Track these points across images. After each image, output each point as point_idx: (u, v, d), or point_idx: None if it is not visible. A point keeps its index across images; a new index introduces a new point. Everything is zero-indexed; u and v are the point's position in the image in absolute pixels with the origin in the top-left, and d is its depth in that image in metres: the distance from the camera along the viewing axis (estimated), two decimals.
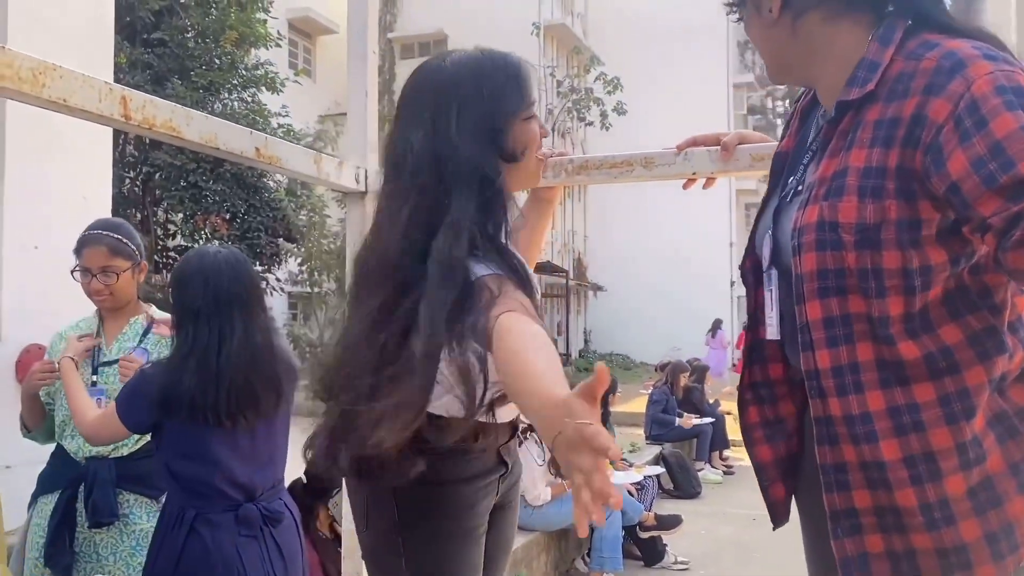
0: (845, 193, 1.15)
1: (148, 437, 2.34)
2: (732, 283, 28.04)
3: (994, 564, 1.12)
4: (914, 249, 1.12)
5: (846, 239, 1.14)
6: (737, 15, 1.33)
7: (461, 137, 1.39)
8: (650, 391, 9.64)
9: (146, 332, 2.58)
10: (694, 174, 1.78)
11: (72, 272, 2.52)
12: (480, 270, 1.33)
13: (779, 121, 40.02)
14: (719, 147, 1.75)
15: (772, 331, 1.33)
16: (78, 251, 2.51)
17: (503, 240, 1.38)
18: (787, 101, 39.14)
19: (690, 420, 8.65)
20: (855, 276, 1.14)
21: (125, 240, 2.55)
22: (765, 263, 1.33)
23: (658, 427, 8.61)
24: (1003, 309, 1.16)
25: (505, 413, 1.52)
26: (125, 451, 2.47)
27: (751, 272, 1.39)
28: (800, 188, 1.28)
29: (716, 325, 17.72)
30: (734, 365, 26.88)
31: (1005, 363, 1.15)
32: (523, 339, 1.16)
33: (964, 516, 1.12)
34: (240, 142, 1.51)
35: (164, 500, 2.26)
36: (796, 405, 1.38)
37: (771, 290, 1.32)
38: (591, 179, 1.82)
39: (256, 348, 2.11)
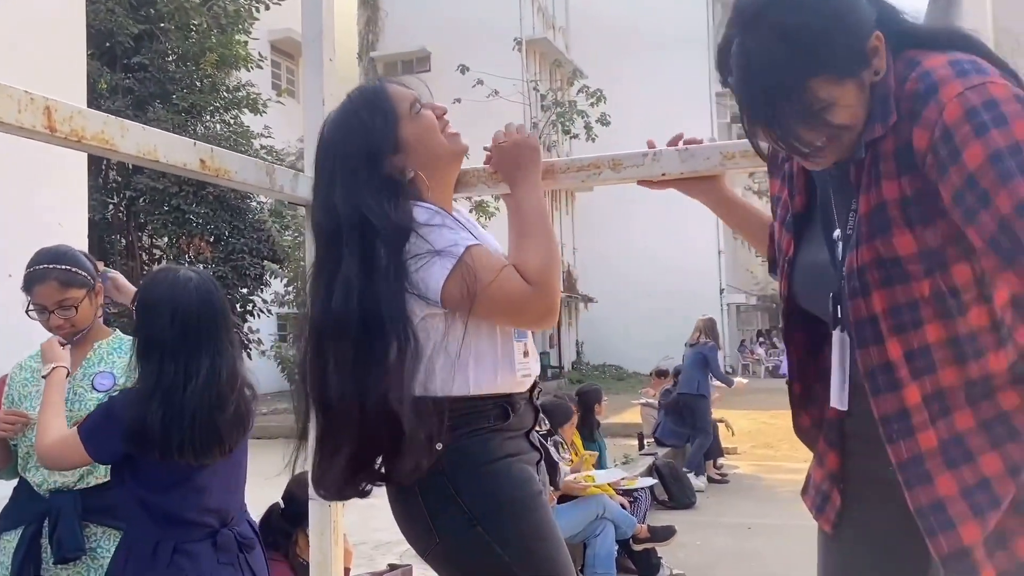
0: (893, 227, 1.15)
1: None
2: (721, 290, 28.07)
3: None
4: (975, 256, 1.11)
5: (913, 271, 1.14)
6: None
7: (340, 194, 1.48)
8: (653, 396, 9.60)
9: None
10: (663, 175, 1.72)
11: (27, 311, 2.40)
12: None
13: None
14: (687, 146, 1.69)
15: (836, 399, 1.30)
16: (27, 288, 2.39)
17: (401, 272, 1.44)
18: None
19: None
20: (931, 304, 1.14)
21: (75, 269, 2.42)
22: (831, 323, 1.29)
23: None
24: None
25: (507, 380, 1.56)
26: (92, 481, 2.38)
27: (793, 326, 1.40)
28: (849, 231, 1.25)
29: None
30: (727, 372, 26.88)
31: None
32: None
33: None
34: (183, 154, 1.43)
35: (127, 533, 2.16)
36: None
37: (838, 353, 1.28)
38: (558, 182, 1.76)
39: (222, 386, 2.03)
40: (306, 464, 1.61)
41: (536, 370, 1.66)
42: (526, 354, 1.61)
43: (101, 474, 2.35)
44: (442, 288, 1.43)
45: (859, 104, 1.16)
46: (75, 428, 2.09)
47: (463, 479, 1.50)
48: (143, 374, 2.03)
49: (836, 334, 1.29)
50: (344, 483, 1.55)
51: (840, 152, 1.20)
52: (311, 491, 1.62)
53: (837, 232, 1.28)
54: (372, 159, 1.51)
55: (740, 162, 1.65)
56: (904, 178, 1.13)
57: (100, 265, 2.64)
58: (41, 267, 2.40)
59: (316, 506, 1.93)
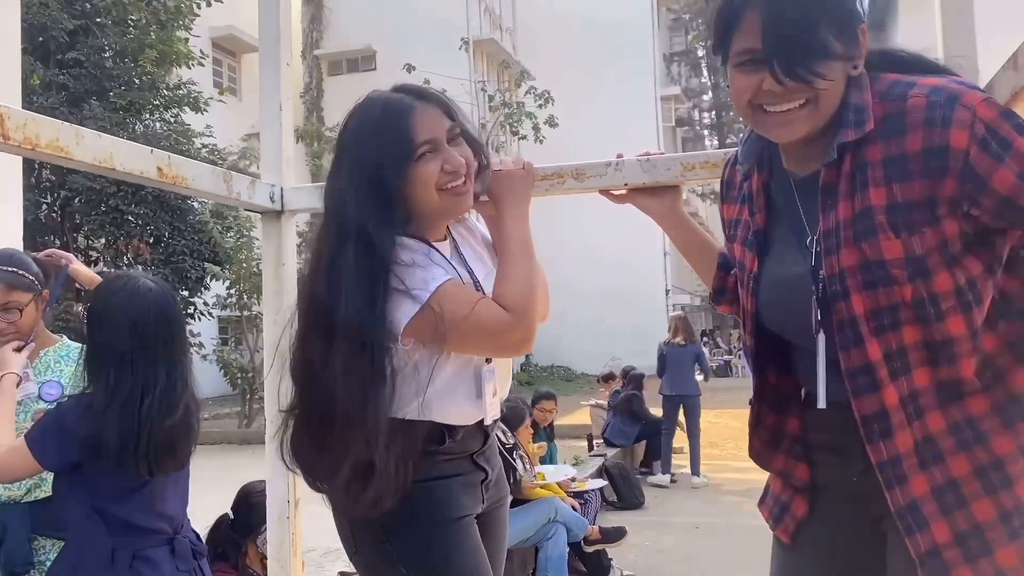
0: (880, 232, 1.18)
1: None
2: (667, 291, 28.44)
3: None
4: (957, 267, 1.17)
5: (897, 274, 1.17)
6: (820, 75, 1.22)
7: (352, 193, 1.49)
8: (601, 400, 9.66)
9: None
10: (626, 185, 1.73)
11: None
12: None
13: (707, 132, 40.85)
14: (648, 157, 1.70)
15: (822, 400, 1.30)
16: None
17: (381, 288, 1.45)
18: (713, 113, 40.01)
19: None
20: (911, 308, 1.17)
21: (21, 272, 2.36)
22: (814, 327, 1.29)
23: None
24: None
25: (454, 414, 1.57)
26: (40, 494, 2.32)
27: (758, 349, 1.40)
28: (817, 238, 1.27)
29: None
30: None
31: None
32: None
33: None
34: (140, 162, 1.39)
35: (73, 543, 2.05)
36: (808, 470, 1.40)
37: (821, 357, 1.29)
38: None
39: (176, 399, 1.99)
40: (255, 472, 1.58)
41: (496, 412, 1.66)
42: (494, 393, 1.62)
43: (49, 487, 2.28)
44: (403, 330, 1.45)
45: (838, 83, 1.21)
46: (22, 438, 2.00)
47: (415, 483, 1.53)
48: (98, 384, 1.96)
49: (820, 337, 1.30)
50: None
51: (803, 126, 1.23)
52: (269, 496, 1.59)
53: (811, 238, 1.29)
54: (380, 179, 1.49)
55: (700, 173, 1.68)
56: (896, 185, 1.16)
57: (57, 252, 2.60)
58: None
59: (275, 518, 1.89)
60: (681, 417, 8.59)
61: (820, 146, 1.25)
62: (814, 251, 1.28)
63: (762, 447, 1.44)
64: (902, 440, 1.18)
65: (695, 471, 8.41)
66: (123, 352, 1.93)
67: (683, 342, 8.75)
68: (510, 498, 1.85)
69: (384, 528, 1.53)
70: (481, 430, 1.65)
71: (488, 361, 1.60)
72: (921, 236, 1.16)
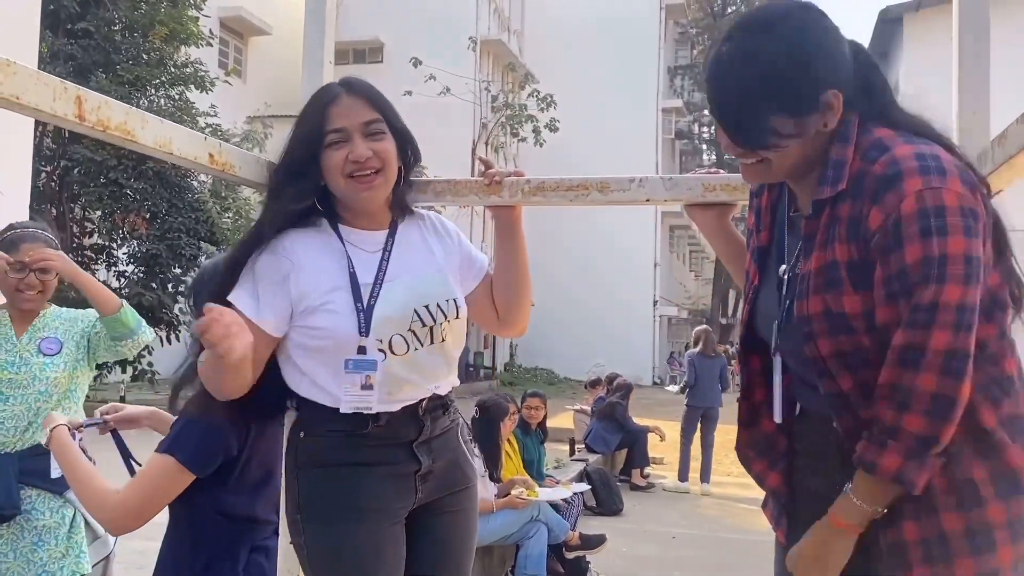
0: (843, 286, 1.27)
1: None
2: (655, 302, 28.59)
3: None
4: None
5: (857, 326, 1.27)
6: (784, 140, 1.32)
7: (280, 168, 1.68)
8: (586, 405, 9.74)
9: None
10: (647, 201, 1.81)
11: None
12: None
13: (705, 147, 41.01)
14: (671, 176, 1.79)
15: (777, 415, 1.44)
16: (15, 245, 2.46)
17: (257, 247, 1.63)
18: (712, 128, 40.15)
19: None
20: (874, 352, 1.26)
21: (55, 241, 2.57)
22: (772, 348, 1.43)
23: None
24: None
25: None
26: (30, 441, 2.41)
27: (748, 353, 1.51)
28: (794, 275, 1.38)
29: None
30: (655, 382, 27.38)
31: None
32: None
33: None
34: (194, 148, 1.47)
35: (187, 541, 1.80)
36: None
37: (777, 377, 1.43)
38: (547, 200, 1.82)
39: None
40: None
41: (380, 406, 1.62)
42: (367, 387, 1.60)
43: (39, 435, 2.20)
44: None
45: (791, 149, 1.31)
46: (160, 456, 1.71)
47: (303, 470, 1.66)
48: None
49: (776, 359, 1.43)
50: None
51: (764, 178, 1.38)
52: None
53: (784, 268, 1.42)
54: (297, 158, 1.65)
55: (719, 194, 1.75)
56: (852, 244, 1.26)
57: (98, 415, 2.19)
58: (31, 229, 2.54)
59: (284, 544, 1.80)
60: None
61: (811, 182, 1.36)
62: (786, 279, 1.40)
63: (745, 447, 1.54)
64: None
65: (706, 478, 8.60)
66: None
67: (712, 353, 8.87)
68: (475, 492, 1.83)
69: (301, 501, 1.64)
70: (416, 419, 1.67)
71: (361, 351, 1.60)
72: (871, 294, 1.25)
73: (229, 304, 1.55)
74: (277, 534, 1.85)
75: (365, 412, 1.60)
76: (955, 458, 1.25)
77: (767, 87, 1.27)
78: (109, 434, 2.06)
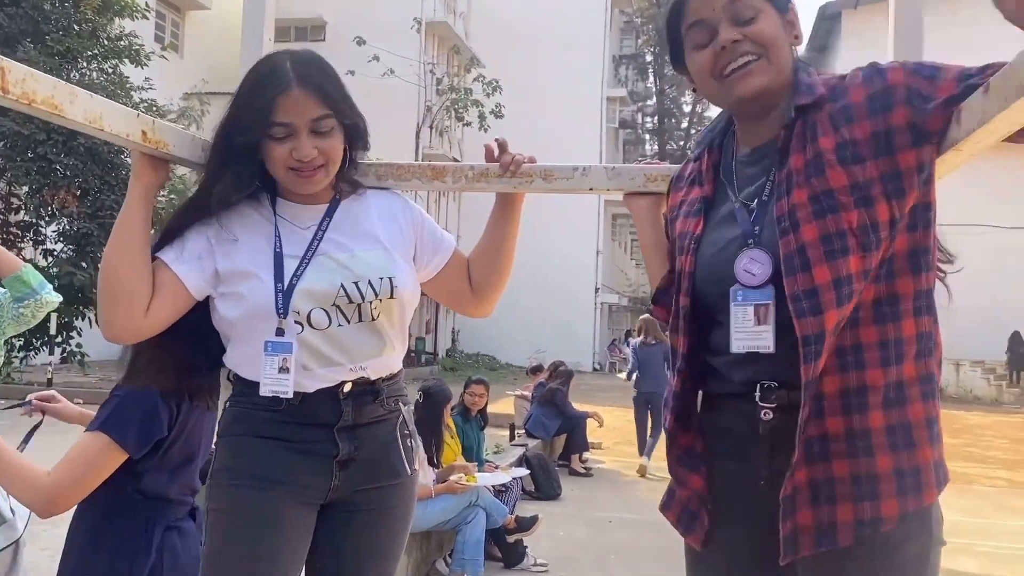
0: (827, 168, 1.29)
1: None
2: (596, 289, 28.85)
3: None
4: (896, 200, 1.28)
5: (844, 200, 1.27)
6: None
7: (222, 139, 1.64)
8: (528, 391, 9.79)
9: None
10: (590, 189, 1.81)
11: None
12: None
13: (648, 136, 41.49)
14: (613, 165, 1.80)
15: (735, 345, 1.37)
16: None
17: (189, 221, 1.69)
18: (655, 118, 40.64)
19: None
20: (856, 235, 1.27)
21: None
22: (761, 281, 1.36)
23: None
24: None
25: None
26: None
27: (693, 310, 1.45)
28: (766, 193, 1.39)
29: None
30: (595, 369, 27.68)
31: (928, 325, 1.32)
32: None
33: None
34: (127, 125, 1.41)
35: (102, 520, 1.79)
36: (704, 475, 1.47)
37: (769, 304, 1.35)
38: (491, 187, 1.81)
39: None
40: None
41: (296, 387, 1.60)
42: (284, 370, 1.57)
43: None
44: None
45: (783, 41, 1.39)
46: (90, 434, 1.69)
47: (222, 438, 1.68)
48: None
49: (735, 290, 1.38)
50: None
51: (763, 77, 1.38)
52: None
53: (747, 191, 1.42)
54: (236, 132, 1.61)
55: (660, 185, 1.76)
56: (844, 128, 1.30)
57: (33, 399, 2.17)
58: None
59: None
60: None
61: (774, 119, 1.40)
62: (754, 202, 1.40)
63: (677, 467, 1.52)
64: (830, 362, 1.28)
65: (648, 454, 8.89)
66: None
67: (652, 341, 9.01)
68: (406, 490, 1.77)
69: (212, 466, 1.67)
70: (335, 402, 1.63)
71: (280, 333, 1.58)
72: (863, 166, 1.28)
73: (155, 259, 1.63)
74: (193, 517, 1.86)
75: (282, 396, 1.58)
76: (903, 355, 1.28)
77: None
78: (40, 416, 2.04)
